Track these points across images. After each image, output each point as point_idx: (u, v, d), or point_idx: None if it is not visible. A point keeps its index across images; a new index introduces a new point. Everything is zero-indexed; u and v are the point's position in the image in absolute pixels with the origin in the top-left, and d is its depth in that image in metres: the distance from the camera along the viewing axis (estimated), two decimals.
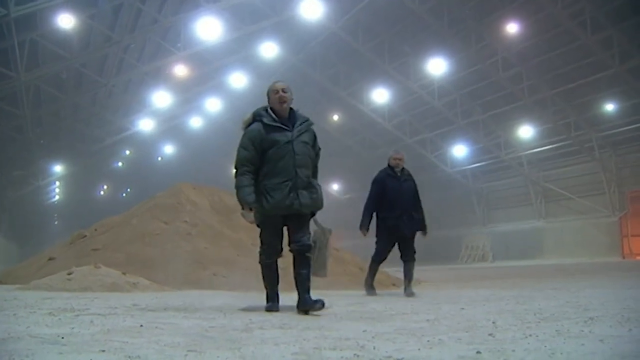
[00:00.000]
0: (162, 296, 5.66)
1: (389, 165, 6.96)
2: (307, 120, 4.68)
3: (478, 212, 28.51)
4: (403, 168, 6.95)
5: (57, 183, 35.22)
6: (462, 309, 4.35)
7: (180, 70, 22.00)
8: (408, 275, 6.68)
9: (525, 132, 24.19)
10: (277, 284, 4.70)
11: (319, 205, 4.58)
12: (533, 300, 5.06)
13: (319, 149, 4.82)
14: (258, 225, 4.59)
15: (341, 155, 29.26)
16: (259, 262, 4.67)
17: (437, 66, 22.32)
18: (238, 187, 4.48)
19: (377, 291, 6.76)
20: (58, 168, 28.41)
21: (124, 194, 42.31)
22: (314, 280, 4.56)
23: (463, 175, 28.31)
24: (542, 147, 24.56)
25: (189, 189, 9.53)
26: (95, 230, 8.90)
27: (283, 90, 4.60)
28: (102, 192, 42.48)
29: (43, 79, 18.74)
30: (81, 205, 37.03)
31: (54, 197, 38.98)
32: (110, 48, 18.58)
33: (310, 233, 4.63)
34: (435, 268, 18.08)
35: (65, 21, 15.94)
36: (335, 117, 28.48)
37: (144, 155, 34.48)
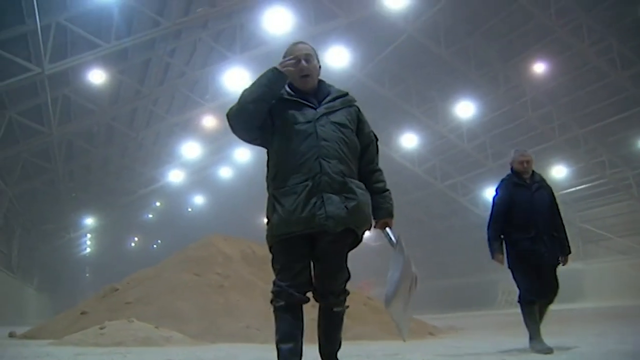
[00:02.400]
0: (195, 350, 5.49)
1: (513, 171, 5.41)
2: (345, 94, 3.34)
3: None
4: (533, 172, 5.38)
5: (88, 235, 35.50)
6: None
7: (209, 121, 22.17)
8: (539, 320, 5.02)
9: (558, 172, 23.75)
10: (297, 341, 3.01)
11: (363, 221, 3.08)
12: (577, 348, 4.80)
13: (374, 136, 3.38)
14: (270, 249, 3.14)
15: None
16: (272, 306, 3.07)
17: (465, 109, 22.25)
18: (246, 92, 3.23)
19: (412, 341, 5.83)
20: (89, 221, 28.66)
21: (155, 246, 42.45)
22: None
23: None
24: (576, 186, 24.07)
25: (219, 240, 9.42)
26: (127, 283, 8.79)
27: (305, 59, 3.22)
28: (132, 244, 42.69)
29: (75, 133, 19.07)
30: (112, 258, 37.20)
31: (85, 249, 39.27)
32: (139, 101, 18.87)
33: (347, 271, 3.16)
34: (471, 314, 17.60)
35: (96, 76, 16.28)
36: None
37: (174, 206, 34.66)
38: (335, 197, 2.97)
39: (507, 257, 5.18)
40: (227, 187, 30.95)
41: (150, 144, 23.96)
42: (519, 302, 5.09)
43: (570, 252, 5.24)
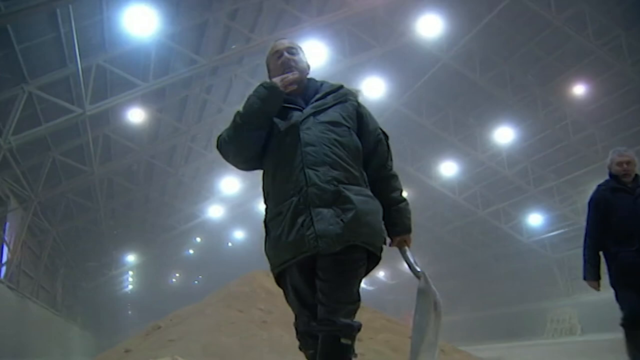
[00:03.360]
0: None
1: (611, 175, 4.80)
2: (339, 87, 2.84)
3: (561, 283, 26.99)
4: (636, 175, 4.74)
5: (130, 272, 35.84)
6: None
7: None
8: None
9: None
10: None
11: (368, 233, 2.56)
12: None
13: (380, 133, 2.85)
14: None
15: (412, 234, 28.60)
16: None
17: (504, 135, 21.97)
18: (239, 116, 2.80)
19: None
20: (130, 258, 28.95)
21: (196, 282, 42.61)
22: None
23: (541, 245, 27.03)
24: None
25: (262, 276, 9.34)
26: (170, 320, 8.75)
27: (288, 51, 2.86)
28: (173, 280, 42.92)
29: (115, 171, 19.38)
30: (154, 294, 37.41)
31: (127, 286, 39.64)
32: (178, 138, 19.11)
33: (357, 295, 2.58)
34: (519, 345, 17.06)
35: (136, 115, 16.59)
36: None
37: (214, 242, 34.81)
38: (326, 211, 2.46)
39: (608, 273, 4.52)
40: None
41: (189, 180, 24.18)
42: (622, 325, 4.43)
43: None
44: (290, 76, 2.72)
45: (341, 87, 2.86)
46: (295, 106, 2.74)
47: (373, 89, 18.96)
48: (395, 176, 2.94)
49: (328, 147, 2.58)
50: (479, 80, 19.17)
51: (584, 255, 4.55)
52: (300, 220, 2.48)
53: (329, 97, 2.77)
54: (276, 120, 2.71)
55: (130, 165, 20.13)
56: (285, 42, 2.94)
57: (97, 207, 19.95)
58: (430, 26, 16.72)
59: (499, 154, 23.27)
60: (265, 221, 2.70)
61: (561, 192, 24.20)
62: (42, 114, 13.68)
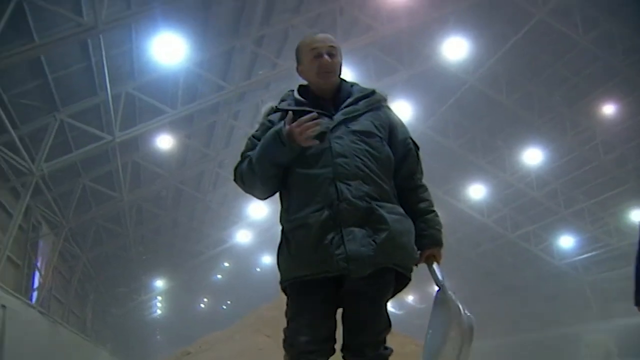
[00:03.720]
0: None
1: None
2: (371, 92, 2.66)
3: (595, 307, 26.35)
4: None
5: (159, 298, 35.95)
6: None
7: None
8: None
9: (638, 215, 22.62)
10: None
11: (401, 256, 2.41)
12: None
13: (410, 143, 2.72)
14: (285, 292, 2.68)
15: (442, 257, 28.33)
16: None
17: (532, 156, 21.75)
18: (249, 161, 2.63)
19: None
20: (159, 283, 29.06)
21: (224, 307, 42.55)
22: None
23: (573, 267, 26.50)
24: None
25: None
26: (200, 346, 8.72)
27: (329, 53, 2.58)
28: (202, 306, 42.91)
29: (144, 197, 19.57)
30: (182, 320, 37.45)
31: (156, 311, 39.75)
32: (206, 164, 19.27)
33: (387, 319, 2.48)
34: None
35: (164, 142, 16.78)
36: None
37: (243, 266, 34.79)
38: (358, 231, 2.30)
39: None
40: None
41: (217, 205, 24.29)
42: None
43: None
44: (314, 129, 2.38)
45: (373, 92, 2.68)
46: (323, 112, 2.52)
47: (399, 112, 18.82)
48: (423, 187, 2.74)
49: (360, 159, 2.41)
50: (505, 102, 19.05)
51: (636, 279, 3.94)
52: (329, 237, 2.31)
53: (361, 103, 2.58)
54: None
55: (159, 191, 20.31)
56: (327, 40, 2.62)
57: (126, 233, 20.12)
58: (455, 48, 16.72)
59: (527, 176, 22.99)
60: (283, 230, 2.56)
61: (592, 214, 23.76)
62: (73, 141, 13.93)
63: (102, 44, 11.29)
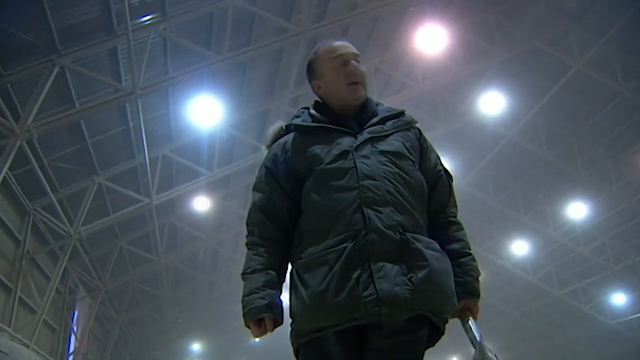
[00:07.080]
0: None
1: None
2: (400, 113, 2.32)
3: None
4: None
5: None
6: None
7: None
8: None
9: None
10: None
11: (442, 301, 1.99)
12: None
13: (441, 169, 2.33)
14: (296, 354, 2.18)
15: (484, 317, 27.38)
16: None
17: (576, 210, 21.02)
18: (242, 277, 2.42)
19: None
20: (196, 346, 28.69)
21: None
22: None
23: (628, 326, 25.18)
24: None
25: None
26: None
27: (357, 60, 2.30)
28: None
29: (181, 260, 19.48)
30: None
31: None
32: (243, 226, 19.05)
33: None
34: None
35: (201, 204, 16.75)
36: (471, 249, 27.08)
37: (282, 328, 34.05)
38: (390, 267, 1.89)
39: None
40: None
41: None
42: None
43: None
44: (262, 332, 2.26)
45: (403, 113, 2.33)
46: (345, 129, 2.19)
47: None
48: (458, 224, 2.35)
49: (391, 183, 2.02)
50: (546, 155, 18.65)
51: None
52: (354, 275, 1.88)
53: (389, 123, 2.23)
54: (320, 149, 2.15)
55: (195, 253, 20.22)
56: (349, 47, 2.32)
57: (163, 295, 20.00)
58: (492, 103, 16.49)
59: (572, 231, 22.21)
60: (296, 270, 2.10)
61: None
62: (111, 204, 14.04)
63: (139, 109, 11.44)
